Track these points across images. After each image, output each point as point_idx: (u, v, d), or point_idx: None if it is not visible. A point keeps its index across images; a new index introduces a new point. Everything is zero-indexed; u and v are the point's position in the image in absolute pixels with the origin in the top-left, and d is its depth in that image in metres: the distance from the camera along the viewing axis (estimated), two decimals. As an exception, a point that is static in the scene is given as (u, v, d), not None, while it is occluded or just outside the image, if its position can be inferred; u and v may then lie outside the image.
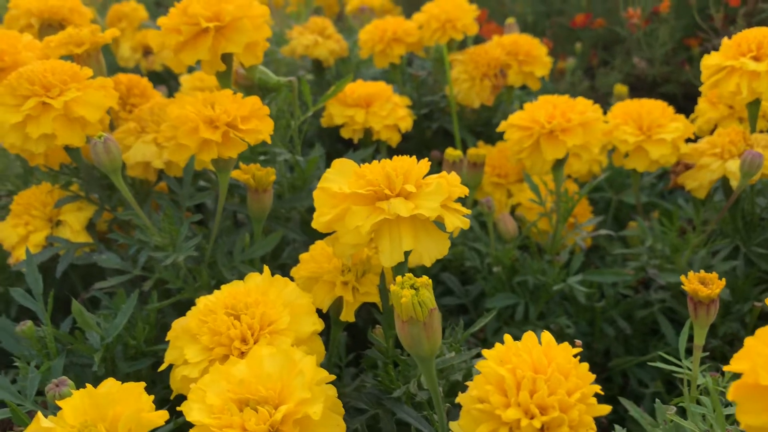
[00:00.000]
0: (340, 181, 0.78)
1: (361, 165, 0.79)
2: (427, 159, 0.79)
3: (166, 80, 1.98)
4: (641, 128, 1.10)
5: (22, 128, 0.90)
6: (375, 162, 0.78)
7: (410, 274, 0.61)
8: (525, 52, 1.43)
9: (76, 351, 0.85)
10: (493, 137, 1.65)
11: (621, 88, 1.64)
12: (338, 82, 1.18)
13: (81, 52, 1.04)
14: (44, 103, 0.90)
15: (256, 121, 0.87)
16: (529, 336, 0.59)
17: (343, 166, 0.80)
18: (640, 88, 2.01)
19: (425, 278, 0.60)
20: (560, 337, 1.16)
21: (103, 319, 0.87)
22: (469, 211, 0.77)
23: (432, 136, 1.67)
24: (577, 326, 1.22)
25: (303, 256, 0.85)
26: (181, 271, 0.95)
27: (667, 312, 1.25)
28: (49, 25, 1.26)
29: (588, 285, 1.17)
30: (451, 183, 0.76)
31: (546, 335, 0.60)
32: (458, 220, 0.74)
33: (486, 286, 1.15)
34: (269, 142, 0.90)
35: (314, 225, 0.77)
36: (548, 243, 1.21)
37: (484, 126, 1.65)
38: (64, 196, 1.02)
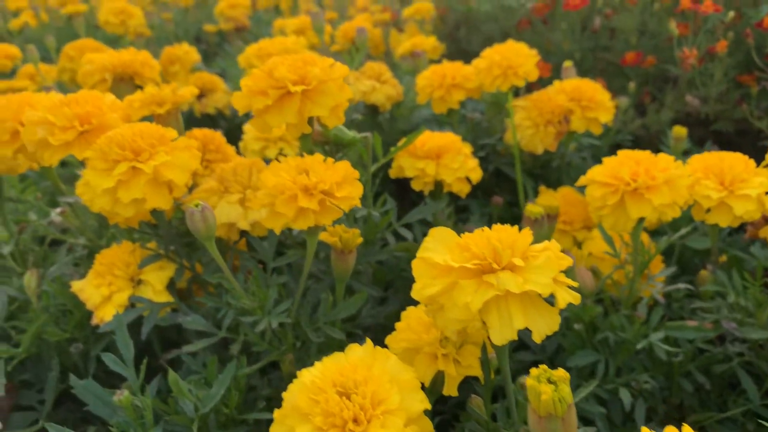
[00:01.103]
0: (440, 250, 0.77)
1: (462, 235, 0.78)
2: (528, 229, 0.78)
3: (217, 121, 2.00)
4: (723, 183, 1.08)
5: (113, 193, 0.91)
6: (477, 232, 0.77)
7: (544, 366, 0.59)
8: (588, 97, 1.42)
9: (170, 420, 0.84)
10: (550, 179, 1.64)
11: (680, 131, 1.62)
12: (409, 135, 1.17)
13: (163, 113, 1.05)
14: (134, 167, 0.91)
15: (349, 187, 0.86)
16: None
17: (442, 234, 0.79)
18: (691, 125, 1.99)
19: (562, 372, 0.58)
20: (639, 393, 1.15)
21: (194, 386, 0.86)
22: (575, 284, 0.75)
23: (488, 178, 1.66)
24: (653, 380, 1.19)
25: (399, 325, 0.84)
26: (266, 333, 0.95)
27: (745, 366, 1.22)
28: (120, 79, 1.28)
29: (666, 340, 1.14)
30: (558, 255, 0.75)
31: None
32: (569, 295, 0.72)
33: (564, 342, 1.13)
34: (359, 206, 0.89)
35: (415, 296, 0.76)
36: (623, 296, 1.19)
37: (542, 169, 1.64)
38: (147, 256, 1.02)
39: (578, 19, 2.07)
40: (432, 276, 0.76)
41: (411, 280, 1.33)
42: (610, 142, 1.82)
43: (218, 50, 3.00)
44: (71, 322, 1.09)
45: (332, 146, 1.14)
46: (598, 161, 1.80)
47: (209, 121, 1.91)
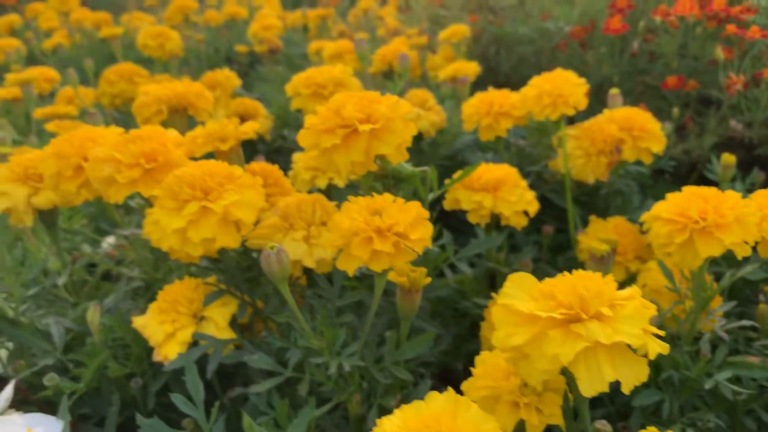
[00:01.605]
0: (522, 297, 0.76)
1: (543, 281, 0.77)
2: (611, 276, 0.77)
3: (256, 145, 2.01)
4: (792, 219, 1.06)
5: (183, 232, 0.91)
6: (560, 278, 0.76)
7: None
8: (639, 127, 1.40)
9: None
10: (597, 207, 1.62)
11: (729, 158, 1.60)
12: (466, 167, 1.17)
13: (226, 149, 1.05)
14: (205, 207, 0.91)
15: (421, 228, 0.86)
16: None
17: (522, 280, 0.78)
18: (733, 149, 1.96)
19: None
20: (702, 432, 1.12)
21: (265, 428, 0.86)
22: (662, 333, 0.74)
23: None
24: (717, 419, 1.16)
25: (476, 371, 0.83)
26: (332, 373, 0.94)
27: (809, 404, 1.19)
28: (175, 110, 1.29)
29: (731, 379, 1.12)
30: (644, 304, 0.74)
31: None
32: (658, 345, 0.71)
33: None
34: (431, 246, 0.88)
35: (497, 344, 0.75)
36: (684, 331, 1.17)
37: (588, 196, 1.63)
38: (211, 293, 1.02)
39: (617, 43, 2.06)
40: (514, 323, 0.75)
41: (463, 314, 1.31)
42: (653, 168, 1.80)
43: (249, 71, 3.02)
44: (131, 357, 1.09)
45: (390, 180, 1.14)
46: (643, 188, 1.79)
47: (249, 145, 1.92)
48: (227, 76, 1.93)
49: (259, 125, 1.07)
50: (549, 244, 1.47)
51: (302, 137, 0.99)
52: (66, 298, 1.29)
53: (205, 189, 0.92)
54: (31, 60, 3.21)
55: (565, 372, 0.74)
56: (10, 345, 1.20)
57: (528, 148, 1.69)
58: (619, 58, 2.07)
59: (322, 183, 1.39)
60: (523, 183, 1.24)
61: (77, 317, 1.22)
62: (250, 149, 1.98)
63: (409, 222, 0.85)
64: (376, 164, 0.97)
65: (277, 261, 0.84)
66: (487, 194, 1.19)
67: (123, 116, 2.20)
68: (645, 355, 0.73)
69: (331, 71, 1.51)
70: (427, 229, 0.87)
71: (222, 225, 0.92)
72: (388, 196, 0.90)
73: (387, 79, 2.18)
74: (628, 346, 0.72)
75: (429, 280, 0.92)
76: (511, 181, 1.21)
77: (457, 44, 2.21)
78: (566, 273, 0.78)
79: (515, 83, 2.58)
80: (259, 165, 1.16)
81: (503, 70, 2.55)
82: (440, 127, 1.63)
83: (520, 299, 0.76)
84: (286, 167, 1.39)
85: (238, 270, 1.05)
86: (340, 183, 1.42)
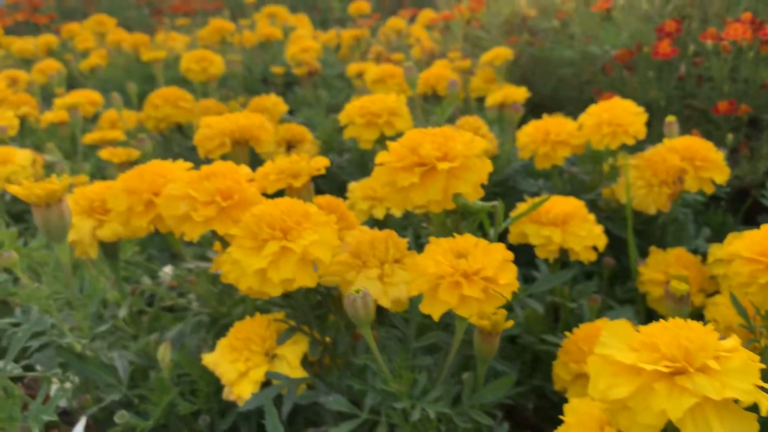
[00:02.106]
0: (619, 347, 0.74)
1: (641, 331, 0.75)
2: (711, 325, 0.75)
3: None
4: None
5: (263, 273, 0.90)
6: (660, 327, 0.74)
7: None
8: (702, 157, 1.38)
9: None
10: (653, 237, 1.59)
11: (788, 186, 1.57)
12: (535, 201, 1.15)
13: (299, 185, 1.04)
14: (284, 247, 0.90)
15: (508, 272, 0.84)
16: None
17: (619, 329, 0.76)
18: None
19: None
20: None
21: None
22: (770, 386, 0.71)
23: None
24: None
25: (569, 420, 0.81)
26: (410, 416, 0.92)
27: None
28: (237, 143, 1.29)
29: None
30: (751, 357, 0.71)
31: None
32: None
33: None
34: (517, 290, 0.87)
35: (595, 395, 0.73)
36: (759, 370, 1.14)
37: (643, 224, 1.60)
38: (284, 331, 1.01)
39: (665, 66, 2.04)
40: (614, 374, 0.73)
41: (523, 348, 1.29)
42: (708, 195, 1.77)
43: (286, 92, 3.03)
44: (199, 394, 1.08)
45: (457, 215, 1.13)
46: (699, 216, 1.75)
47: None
48: (274, 102, 1.93)
49: (327, 161, 1.07)
50: (609, 276, 1.44)
51: (377, 174, 0.98)
52: (124, 329, 1.29)
53: (284, 228, 0.91)
54: (70, 81, 3.26)
55: (668, 428, 0.71)
56: (75, 378, 1.19)
57: (580, 175, 1.67)
58: (666, 81, 2.05)
59: (379, 213, 1.38)
60: (591, 217, 1.22)
61: (139, 350, 1.22)
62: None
63: (496, 266, 0.84)
64: (454, 203, 0.96)
65: (363, 305, 0.83)
66: (556, 229, 1.18)
67: (165, 139, 2.22)
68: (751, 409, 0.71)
69: (384, 100, 1.51)
70: (513, 273, 0.86)
71: (301, 265, 0.91)
72: (470, 238, 0.88)
73: (429, 102, 2.18)
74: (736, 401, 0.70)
75: (511, 323, 0.91)
76: (579, 215, 1.19)
77: (499, 67, 2.20)
78: (662, 320, 0.76)
79: (554, 105, 2.57)
80: (325, 199, 1.16)
81: (542, 91, 2.53)
82: (492, 153, 1.62)
83: (619, 349, 0.73)
84: (331, 192, 1.38)
85: (310, 307, 1.04)
86: (397, 213, 1.41)
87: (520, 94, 1.77)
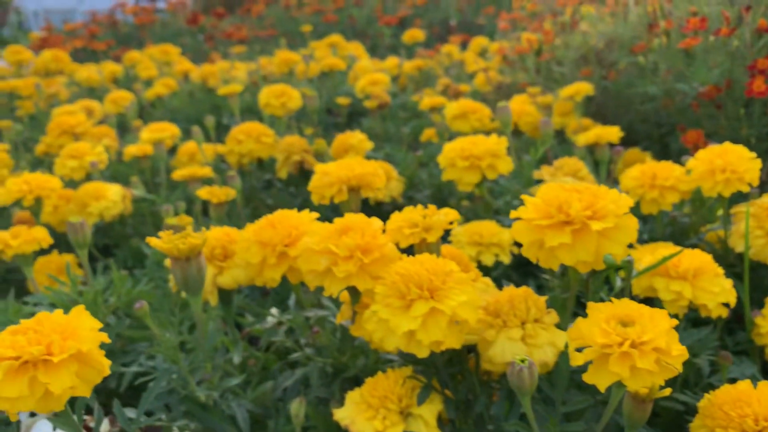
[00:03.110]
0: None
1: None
2: None
3: (383, 207, 2.00)
4: None
5: (412, 334, 0.89)
6: None
7: None
8: (825, 206, 1.33)
9: None
10: (762, 284, 1.54)
11: None
12: (665, 255, 1.12)
13: (434, 240, 1.03)
14: (434, 308, 0.89)
15: (677, 343, 0.81)
16: None
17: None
18: None
19: None
20: None
21: None
22: None
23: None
24: None
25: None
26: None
27: None
28: (351, 189, 1.28)
29: None
30: None
31: None
32: None
33: None
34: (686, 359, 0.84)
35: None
36: None
37: (751, 272, 1.55)
38: (422, 390, 0.99)
39: (755, 103, 1.99)
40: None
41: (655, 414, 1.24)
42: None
43: (351, 122, 3.05)
44: (328, 449, 1.06)
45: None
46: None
47: (376, 207, 1.91)
48: (360, 139, 1.94)
49: (456, 214, 1.05)
50: (721, 325, 1.40)
51: (519, 232, 0.96)
52: (233, 374, 1.28)
53: (431, 288, 0.90)
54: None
55: None
56: (192, 426, 1.19)
57: (681, 218, 1.63)
58: (758, 118, 2.00)
59: (488, 260, 1.36)
60: (720, 271, 1.18)
61: (255, 398, 1.21)
62: (376, 211, 1.97)
63: (665, 335, 0.81)
64: (602, 264, 0.94)
65: (530, 375, 0.80)
66: (686, 283, 1.14)
67: (244, 173, 2.23)
68: None
69: (486, 143, 1.50)
70: (675, 338, 0.83)
71: (450, 326, 0.89)
72: (630, 304, 0.86)
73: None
74: None
75: (669, 391, 0.87)
76: (710, 269, 1.15)
77: (578, 102, 2.18)
78: None
79: (629, 139, 2.53)
80: (447, 249, 1.14)
81: (616, 125, 2.50)
82: (591, 197, 1.58)
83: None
84: None
85: (443, 364, 1.02)
86: (506, 260, 1.39)
87: (613, 134, 1.75)
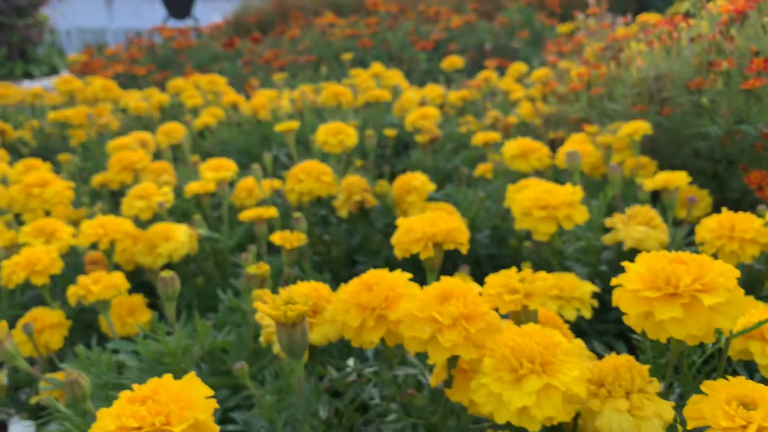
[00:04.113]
0: None
1: None
2: None
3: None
4: None
5: (526, 410, 0.89)
6: None
7: None
8: None
9: None
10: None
11: None
12: (761, 320, 1.11)
13: (534, 307, 1.03)
14: (548, 384, 0.89)
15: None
16: None
17: None
18: None
19: None
20: None
21: None
22: None
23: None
24: None
25: None
26: None
27: None
28: (435, 244, 1.29)
29: None
30: None
31: None
32: None
33: None
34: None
35: None
36: None
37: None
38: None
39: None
40: None
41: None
42: None
43: (398, 154, 3.07)
44: None
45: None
46: None
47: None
48: (422, 181, 1.95)
49: (557, 289, 1.06)
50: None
51: (624, 302, 0.96)
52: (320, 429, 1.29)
53: (543, 362, 0.90)
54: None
55: None
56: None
57: (756, 267, 1.61)
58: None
59: (570, 315, 1.36)
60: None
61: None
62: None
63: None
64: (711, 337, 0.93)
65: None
66: (782, 347, 1.13)
67: (303, 210, 2.26)
68: None
69: (562, 193, 1.50)
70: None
71: (562, 401, 0.89)
72: (748, 383, 0.85)
73: (564, 178, 2.16)
74: None
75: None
76: (808, 333, 1.14)
77: (635, 141, 2.17)
78: None
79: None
80: (542, 313, 1.14)
81: (671, 162, 2.48)
82: (665, 244, 1.58)
83: None
84: (478, 278, 1.36)
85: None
86: (587, 314, 1.39)
87: (681, 179, 1.74)
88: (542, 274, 1.09)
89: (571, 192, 1.51)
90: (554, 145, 2.83)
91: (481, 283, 1.12)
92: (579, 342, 1.15)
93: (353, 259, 2.20)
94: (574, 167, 1.70)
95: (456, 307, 0.98)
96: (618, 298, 0.98)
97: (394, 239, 1.30)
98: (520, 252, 1.97)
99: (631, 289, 0.96)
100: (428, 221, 1.28)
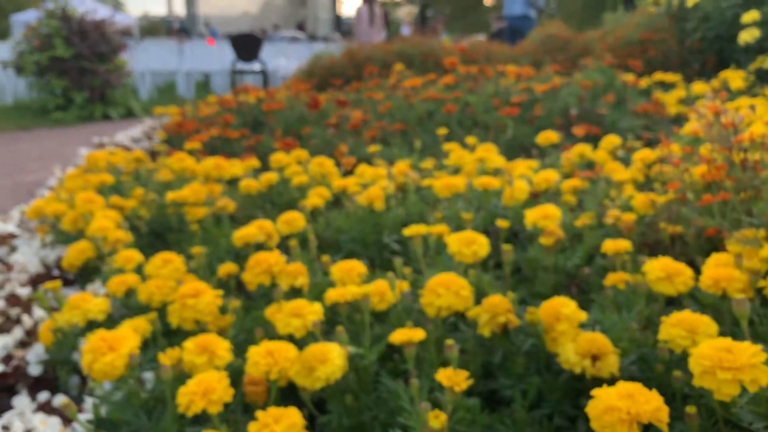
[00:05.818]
0: None
1: None
2: None
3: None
4: None
5: None
6: None
7: None
8: None
9: None
10: None
11: None
12: None
13: None
14: None
15: None
16: None
17: None
18: None
19: None
20: None
21: None
22: None
23: None
24: None
25: None
26: None
27: None
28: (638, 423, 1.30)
29: None
30: None
31: None
32: None
33: None
34: None
35: None
36: None
37: None
38: None
39: None
40: None
41: None
42: None
43: (514, 249, 3.09)
44: None
45: None
46: None
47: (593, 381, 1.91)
48: (573, 310, 1.95)
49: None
50: None
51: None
52: None
53: None
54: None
55: None
56: None
57: None
58: None
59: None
60: None
61: None
62: (599, 383, 1.97)
63: None
64: None
65: None
66: None
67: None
68: None
69: (745, 354, 1.47)
70: None
71: None
72: None
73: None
74: None
75: None
76: None
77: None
78: None
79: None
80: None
81: None
82: None
83: None
84: None
85: None
86: None
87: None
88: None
89: (754, 354, 1.49)
90: (673, 239, 2.79)
91: None
92: None
93: (488, 372, 2.21)
94: (742, 314, 1.68)
95: None
96: None
97: (592, 414, 1.32)
98: (667, 379, 1.94)
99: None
100: (627, 395, 1.29)
